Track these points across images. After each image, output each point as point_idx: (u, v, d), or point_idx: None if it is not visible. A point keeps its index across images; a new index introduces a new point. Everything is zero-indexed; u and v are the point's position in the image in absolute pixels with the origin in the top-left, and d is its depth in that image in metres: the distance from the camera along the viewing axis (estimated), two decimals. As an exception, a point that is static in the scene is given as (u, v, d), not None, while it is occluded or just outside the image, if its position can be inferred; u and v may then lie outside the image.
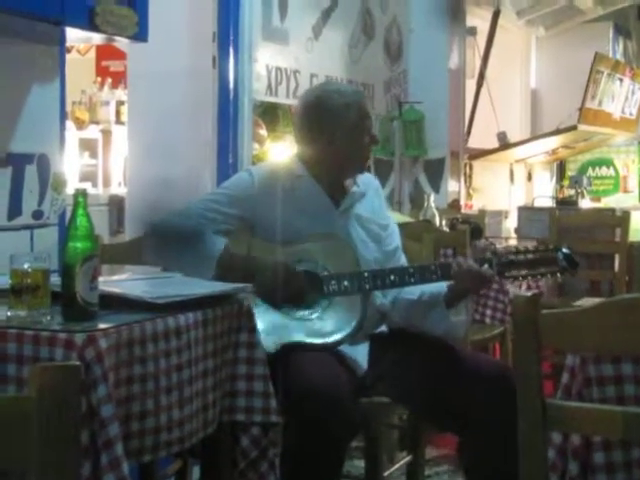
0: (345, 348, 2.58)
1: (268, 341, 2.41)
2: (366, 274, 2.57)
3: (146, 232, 2.63)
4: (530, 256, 2.59)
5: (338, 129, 2.65)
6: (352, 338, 2.59)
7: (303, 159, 2.70)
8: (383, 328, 2.74)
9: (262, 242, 2.59)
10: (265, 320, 2.48)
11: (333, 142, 2.65)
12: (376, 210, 2.79)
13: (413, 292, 2.66)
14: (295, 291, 2.53)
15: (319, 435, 2.30)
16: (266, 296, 2.51)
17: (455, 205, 6.07)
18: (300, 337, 2.53)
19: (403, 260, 2.81)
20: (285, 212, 2.62)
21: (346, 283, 2.55)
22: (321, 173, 2.69)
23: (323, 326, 2.56)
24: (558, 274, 2.63)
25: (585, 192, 7.09)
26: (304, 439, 2.31)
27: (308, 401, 2.29)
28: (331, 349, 2.53)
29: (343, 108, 2.65)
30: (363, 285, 2.57)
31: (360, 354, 2.61)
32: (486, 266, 2.54)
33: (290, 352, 2.46)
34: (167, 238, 2.56)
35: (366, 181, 2.79)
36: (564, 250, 2.60)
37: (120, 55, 5.70)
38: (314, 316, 2.57)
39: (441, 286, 2.60)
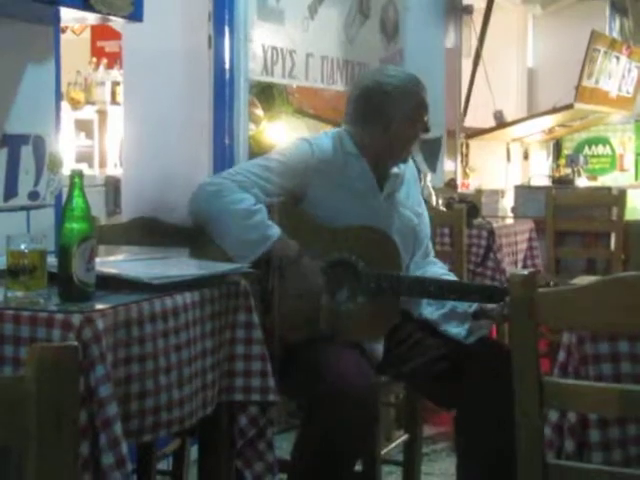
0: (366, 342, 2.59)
1: None
2: (407, 281, 2.56)
3: (192, 205, 2.55)
4: None
5: (396, 117, 2.64)
6: (383, 336, 2.59)
7: (355, 139, 2.68)
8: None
9: (309, 219, 2.56)
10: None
11: (388, 129, 2.65)
12: (412, 195, 2.79)
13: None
14: (317, 304, 2.51)
15: (346, 420, 2.30)
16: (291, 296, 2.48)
17: (452, 184, 6.06)
18: (333, 329, 2.52)
19: (431, 249, 2.83)
20: (333, 190, 2.60)
21: (385, 285, 2.53)
22: (371, 155, 2.67)
23: (358, 321, 2.55)
24: None
25: (581, 171, 7.09)
26: (330, 423, 2.31)
27: (337, 388, 2.29)
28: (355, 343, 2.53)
29: (403, 97, 2.64)
30: (401, 290, 2.56)
31: (377, 345, 2.61)
32: None
33: (311, 342, 2.46)
34: (217, 212, 2.49)
35: (406, 164, 2.79)
36: None
37: (115, 35, 5.67)
38: (349, 310, 2.55)
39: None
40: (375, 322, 2.58)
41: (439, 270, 2.77)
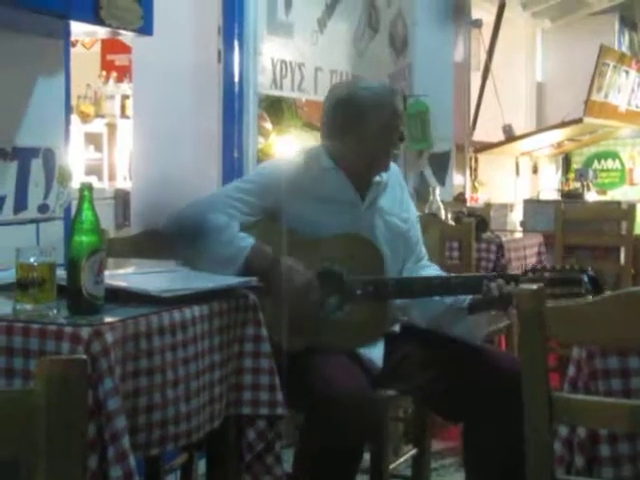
0: (361, 348, 2.58)
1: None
2: (392, 282, 2.57)
3: (167, 224, 2.57)
4: (555, 275, 2.58)
5: (369, 127, 2.64)
6: (374, 342, 2.59)
7: (331, 153, 2.69)
8: (396, 327, 2.74)
9: (288, 235, 2.57)
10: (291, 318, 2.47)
11: (363, 139, 2.64)
12: (398, 201, 2.78)
13: None
14: (308, 304, 2.51)
15: (343, 437, 2.30)
16: (280, 300, 2.48)
17: (460, 198, 6.06)
18: (321, 340, 2.51)
19: (424, 253, 2.82)
20: (311, 204, 2.60)
21: (371, 289, 2.54)
22: (349, 167, 2.67)
23: (346, 329, 2.55)
24: (581, 296, 2.60)
25: (591, 185, 7.09)
26: (326, 439, 2.31)
27: (334, 405, 2.28)
28: (349, 351, 2.53)
29: (376, 106, 2.64)
30: (388, 293, 2.57)
31: (375, 353, 2.61)
32: (513, 285, 2.53)
33: (309, 354, 2.45)
34: (191, 232, 2.51)
35: (389, 170, 2.77)
36: (589, 273, 2.58)
37: (125, 49, 5.69)
38: (337, 319, 2.55)
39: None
40: (365, 328, 2.58)
41: (433, 272, 2.77)
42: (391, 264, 2.66)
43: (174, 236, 2.55)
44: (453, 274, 2.72)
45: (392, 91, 2.76)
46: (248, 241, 2.49)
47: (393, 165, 2.84)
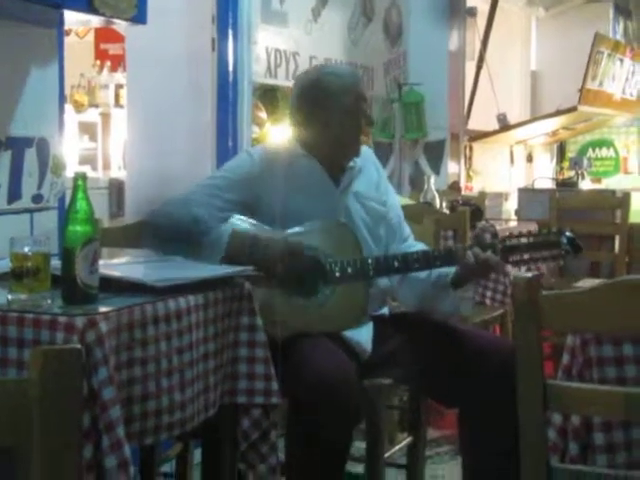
0: (348, 332, 2.58)
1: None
2: (370, 261, 2.57)
3: (146, 222, 2.60)
4: (533, 240, 2.59)
5: (334, 112, 2.64)
6: (357, 324, 2.59)
7: (301, 141, 2.70)
8: (385, 310, 2.74)
9: (262, 227, 2.58)
10: (270, 308, 2.47)
11: (329, 124, 2.65)
12: (374, 184, 2.78)
13: (420, 272, 2.67)
14: (294, 272, 2.51)
15: (326, 422, 2.30)
16: (267, 274, 2.47)
17: (455, 187, 6.06)
18: (304, 325, 2.52)
19: (408, 232, 2.82)
20: (286, 193, 2.60)
21: (350, 270, 2.55)
22: (319, 153, 2.68)
23: (327, 313, 2.56)
24: (561, 258, 2.62)
25: (585, 173, 7.09)
26: (311, 426, 2.31)
27: (316, 389, 2.28)
28: (335, 335, 2.53)
29: (339, 91, 2.64)
30: (367, 272, 2.57)
31: (364, 337, 2.61)
32: (490, 252, 2.54)
33: (294, 339, 2.46)
34: (168, 229, 2.52)
35: (363, 155, 2.77)
36: (567, 234, 2.59)
37: (119, 38, 5.67)
38: (317, 303, 2.56)
39: (449, 268, 2.61)
40: (348, 310, 2.58)
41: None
42: (373, 247, 2.66)
43: (154, 234, 2.55)
44: (427, 249, 2.71)
45: (355, 75, 2.79)
46: (226, 228, 2.50)
47: (366, 148, 2.84)
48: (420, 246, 2.79)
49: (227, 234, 2.48)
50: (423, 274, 2.66)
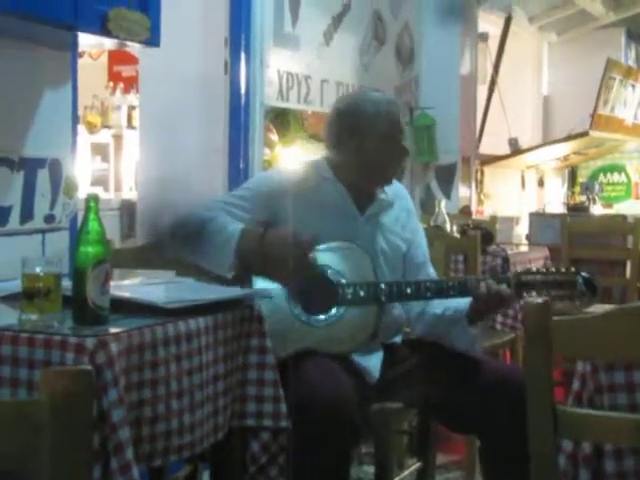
0: (357, 356, 2.57)
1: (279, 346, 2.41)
2: (383, 285, 2.56)
3: (166, 228, 2.58)
4: (549, 277, 2.57)
5: (367, 137, 2.64)
6: (365, 348, 2.59)
7: (332, 164, 2.70)
8: (397, 339, 2.73)
9: None
10: (278, 324, 2.47)
11: (361, 149, 2.65)
12: (401, 222, 2.76)
13: (437, 307, 2.65)
14: (303, 276, 2.47)
15: (322, 442, 2.29)
16: (277, 272, 2.45)
17: (466, 211, 6.06)
18: (311, 344, 2.52)
19: (432, 274, 2.79)
20: (307, 213, 2.60)
21: (362, 293, 2.54)
22: (348, 179, 2.67)
23: (336, 334, 2.56)
24: (576, 299, 2.59)
25: (596, 198, 7.09)
26: (309, 446, 2.31)
27: (311, 409, 2.28)
28: (342, 357, 2.52)
29: (374, 117, 2.64)
30: (379, 296, 2.56)
31: (372, 363, 2.60)
32: (504, 286, 2.52)
33: (300, 358, 2.46)
34: (188, 231, 2.51)
35: (395, 190, 2.77)
36: (584, 275, 2.57)
37: (132, 60, 5.71)
38: (327, 323, 2.56)
39: (464, 302, 2.59)
40: (356, 333, 2.58)
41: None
42: (389, 279, 2.65)
43: (171, 240, 2.54)
44: (441, 278, 2.70)
45: (391, 102, 2.76)
46: (237, 226, 2.46)
47: (400, 186, 2.84)
48: None
49: (237, 234, 2.44)
50: (439, 310, 2.65)
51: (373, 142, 2.65)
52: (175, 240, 2.52)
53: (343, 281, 2.55)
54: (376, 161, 2.67)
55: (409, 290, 2.57)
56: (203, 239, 2.46)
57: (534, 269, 2.63)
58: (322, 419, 2.27)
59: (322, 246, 2.58)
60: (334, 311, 2.56)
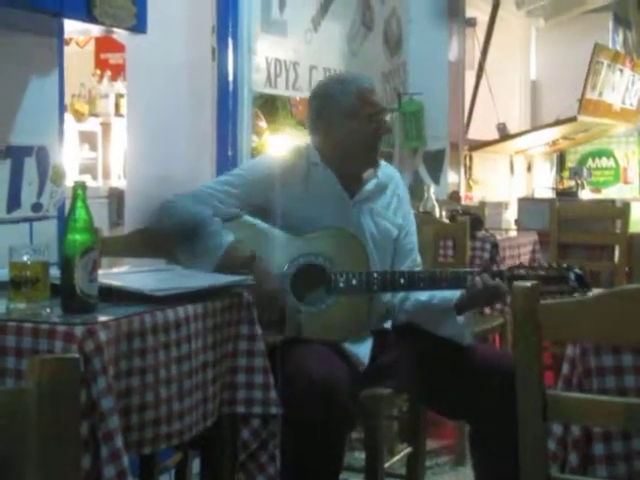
0: (347, 343, 2.57)
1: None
2: (375, 275, 2.56)
3: (152, 216, 2.59)
4: (542, 273, 2.57)
5: (334, 115, 2.64)
6: (356, 336, 2.59)
7: (318, 149, 2.70)
8: (387, 325, 2.73)
9: (272, 230, 2.58)
10: None
11: (331, 129, 2.64)
12: (392, 207, 2.75)
13: (422, 293, 2.64)
14: (275, 313, 2.51)
15: (316, 429, 2.30)
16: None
17: (455, 196, 6.06)
18: (302, 331, 2.52)
19: (418, 261, 2.78)
20: (298, 199, 2.61)
21: (354, 282, 2.54)
22: (334, 162, 2.67)
23: (327, 322, 2.55)
24: (568, 294, 2.59)
25: (585, 183, 7.09)
26: (302, 433, 2.31)
27: (304, 395, 2.28)
28: (332, 344, 2.52)
29: (339, 94, 2.63)
30: (371, 286, 2.56)
31: (362, 350, 2.60)
32: (497, 279, 2.52)
33: (291, 345, 2.46)
34: (175, 221, 2.53)
35: (388, 173, 2.76)
36: (576, 270, 2.57)
37: (119, 48, 5.68)
38: (319, 311, 2.56)
39: (453, 292, 2.58)
40: (348, 322, 2.58)
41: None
42: (378, 263, 2.65)
43: (159, 228, 2.56)
44: (434, 270, 2.70)
45: (360, 79, 2.71)
46: (226, 239, 2.49)
47: (393, 169, 2.83)
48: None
49: (224, 247, 2.48)
50: (424, 297, 2.63)
51: (341, 120, 2.63)
52: (164, 232, 2.53)
53: (335, 270, 2.55)
54: (348, 140, 2.64)
55: (402, 280, 2.56)
56: (192, 239, 2.47)
57: (526, 264, 2.64)
58: (317, 403, 2.28)
59: (315, 233, 2.58)
60: (326, 299, 2.55)
